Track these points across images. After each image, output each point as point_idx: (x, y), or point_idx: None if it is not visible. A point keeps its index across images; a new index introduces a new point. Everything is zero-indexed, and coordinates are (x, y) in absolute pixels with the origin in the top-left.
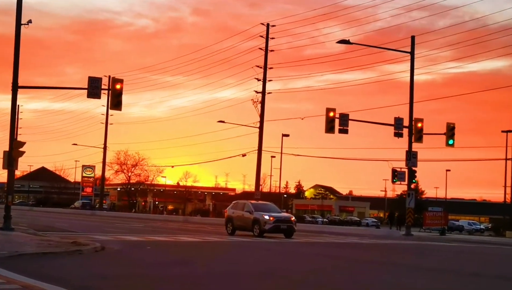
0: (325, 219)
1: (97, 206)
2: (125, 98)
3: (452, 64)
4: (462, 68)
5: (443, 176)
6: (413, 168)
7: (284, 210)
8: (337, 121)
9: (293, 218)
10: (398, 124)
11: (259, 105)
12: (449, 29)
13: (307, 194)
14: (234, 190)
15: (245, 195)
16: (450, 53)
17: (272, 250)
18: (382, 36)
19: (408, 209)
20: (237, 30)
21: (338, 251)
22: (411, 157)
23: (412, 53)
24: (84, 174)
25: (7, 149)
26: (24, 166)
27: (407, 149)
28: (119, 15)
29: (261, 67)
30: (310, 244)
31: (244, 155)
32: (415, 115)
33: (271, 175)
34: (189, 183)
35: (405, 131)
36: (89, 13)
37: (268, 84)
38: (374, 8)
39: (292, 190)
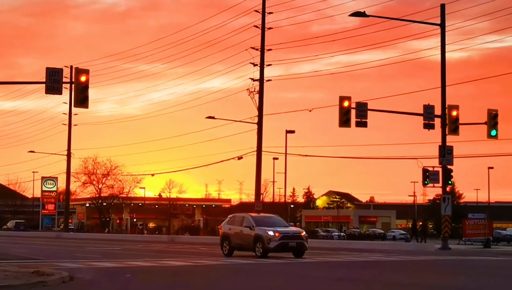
0: (342, 233)
1: (61, 226)
2: (92, 93)
3: (491, 38)
4: (504, 41)
5: (485, 175)
6: (448, 167)
7: (292, 223)
8: (353, 112)
9: (304, 233)
10: (428, 113)
11: (256, 96)
12: None
13: (319, 203)
14: (229, 201)
15: (243, 206)
16: (488, 24)
17: (279, 274)
18: (405, 6)
19: (444, 217)
20: (227, 4)
21: (362, 273)
22: (446, 153)
23: (442, 25)
24: (44, 188)
25: None
26: None
27: (440, 144)
28: None
29: (257, 49)
30: (327, 265)
31: (240, 158)
32: (448, 102)
33: (274, 181)
34: (174, 194)
35: (437, 122)
36: None
37: (267, 70)
38: None
39: (300, 199)
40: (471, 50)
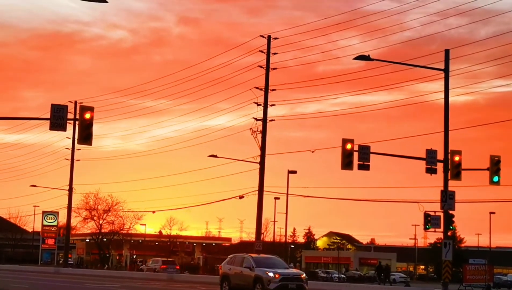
0: (342, 275)
1: (60, 261)
2: (96, 128)
3: (498, 82)
4: (510, 86)
5: (486, 220)
6: (450, 212)
7: (292, 264)
8: (356, 155)
9: (304, 275)
10: (430, 157)
11: (259, 135)
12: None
13: (319, 243)
14: (229, 239)
15: (243, 246)
16: (494, 69)
17: None
18: (411, 49)
19: (444, 262)
20: (233, 43)
21: None
22: (447, 198)
23: (446, 70)
24: (45, 222)
25: None
26: None
27: (442, 189)
28: (88, 26)
29: (261, 89)
30: None
31: (241, 197)
32: (452, 146)
33: (274, 221)
34: (174, 231)
35: (440, 166)
36: (52, 24)
37: (270, 109)
38: (401, 15)
39: (301, 239)
40: (477, 94)
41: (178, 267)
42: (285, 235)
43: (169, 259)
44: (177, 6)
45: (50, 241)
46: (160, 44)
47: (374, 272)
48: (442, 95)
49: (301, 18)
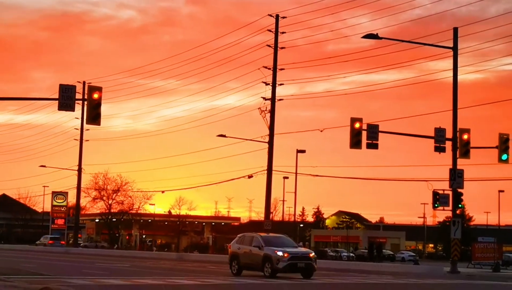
0: (351, 254)
1: (70, 241)
2: (105, 108)
3: (508, 60)
4: None
5: (495, 199)
6: (459, 190)
7: (301, 243)
8: (364, 134)
9: (312, 254)
10: (439, 136)
11: (268, 115)
12: (503, 17)
13: (328, 222)
14: (238, 219)
15: (252, 225)
16: (504, 47)
17: None
18: (421, 27)
19: (453, 240)
20: (242, 22)
21: None
22: (456, 177)
23: (455, 48)
24: (54, 203)
25: None
26: None
27: (451, 167)
28: (97, 6)
29: (269, 68)
30: (335, 287)
31: (250, 177)
32: (461, 124)
33: (283, 200)
34: (184, 211)
35: (448, 145)
36: (61, 5)
37: (279, 89)
38: None
39: (310, 218)
40: (487, 72)
41: (63, 242)
42: (294, 214)
43: (56, 236)
44: None
45: (60, 221)
46: (169, 23)
47: (366, 250)
48: (452, 74)
49: None
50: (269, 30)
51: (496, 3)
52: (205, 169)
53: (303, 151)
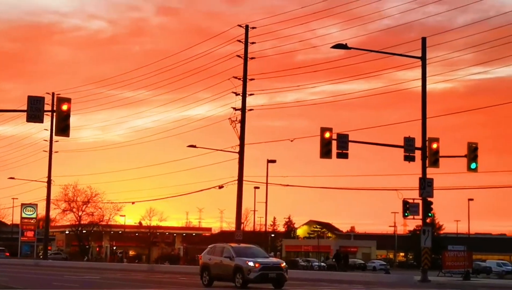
0: (322, 263)
1: (40, 254)
2: (74, 120)
3: (476, 69)
4: (488, 73)
5: (465, 207)
6: (429, 199)
7: (272, 253)
8: (334, 143)
9: (284, 264)
10: (408, 145)
11: (238, 125)
12: (471, 26)
13: (299, 232)
14: (209, 229)
15: (224, 235)
16: (472, 56)
17: None
18: (390, 37)
19: (423, 249)
20: (212, 32)
21: None
22: (426, 186)
23: (423, 58)
24: (24, 215)
25: None
26: None
27: (420, 176)
28: (67, 17)
29: (239, 79)
30: None
31: (221, 187)
32: (430, 134)
33: (254, 210)
34: (154, 222)
35: (418, 154)
36: (30, 16)
37: (249, 99)
38: (380, 3)
39: (281, 228)
40: (455, 81)
41: (7, 253)
42: (265, 224)
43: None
44: None
45: (30, 234)
46: (139, 34)
47: (333, 259)
48: (420, 83)
49: (280, 7)
50: (239, 41)
51: (464, 13)
52: (176, 180)
53: (273, 161)
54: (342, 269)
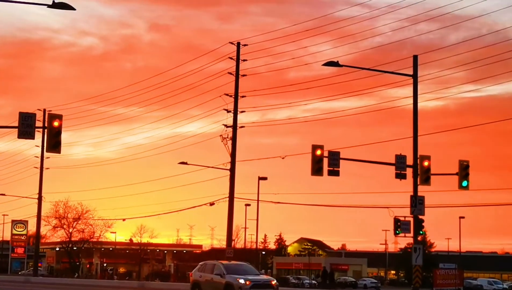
0: (313, 281)
1: (30, 269)
2: (65, 136)
3: (467, 87)
4: (480, 91)
5: (456, 225)
6: (420, 217)
7: (263, 271)
8: (326, 161)
9: (274, 281)
10: (400, 163)
11: (229, 142)
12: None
13: (290, 250)
14: (200, 247)
15: (214, 253)
16: (464, 74)
17: None
18: (382, 54)
19: (415, 267)
20: (204, 49)
21: None
22: (417, 203)
23: (415, 76)
24: (14, 231)
25: None
26: None
27: (412, 194)
28: (58, 33)
29: (231, 96)
30: None
31: (212, 204)
32: (422, 151)
33: (245, 228)
34: (145, 239)
35: (409, 171)
36: (21, 32)
37: (241, 116)
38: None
39: (272, 246)
40: (447, 99)
41: None
42: (256, 242)
43: None
44: (148, 13)
45: (20, 250)
46: (130, 51)
47: (319, 278)
48: (412, 101)
49: (272, 24)
50: (231, 58)
51: (455, 31)
52: (167, 197)
53: (264, 178)
54: (327, 287)
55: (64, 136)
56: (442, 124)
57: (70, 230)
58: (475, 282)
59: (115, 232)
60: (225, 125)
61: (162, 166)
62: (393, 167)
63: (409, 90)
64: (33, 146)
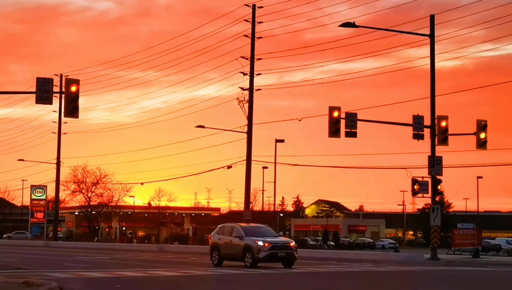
0: (331, 243)
1: (50, 235)
2: (83, 101)
3: (486, 46)
4: (498, 50)
5: (474, 185)
6: (438, 177)
7: (281, 233)
8: (343, 122)
9: (293, 243)
10: (417, 123)
11: (246, 105)
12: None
13: (308, 211)
14: (218, 209)
15: (232, 215)
16: (482, 33)
17: (269, 285)
18: (399, 14)
19: (433, 227)
20: (219, 12)
21: (353, 283)
22: (435, 164)
23: (432, 36)
24: (33, 196)
25: None
26: None
27: (429, 154)
28: None
29: (247, 58)
30: (316, 276)
31: (229, 167)
32: (440, 111)
33: (263, 190)
34: (163, 203)
35: (427, 132)
36: None
37: (257, 79)
38: None
39: (289, 208)
40: (465, 58)
41: None
42: (274, 204)
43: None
44: None
45: (39, 215)
46: (146, 15)
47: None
48: (429, 61)
49: None
50: (246, 20)
51: None
52: (184, 160)
53: (282, 141)
54: (330, 248)
55: (81, 101)
56: (460, 84)
57: (89, 195)
58: (494, 241)
59: (133, 196)
60: (242, 88)
61: (179, 130)
62: (410, 128)
63: (426, 50)
64: (51, 111)
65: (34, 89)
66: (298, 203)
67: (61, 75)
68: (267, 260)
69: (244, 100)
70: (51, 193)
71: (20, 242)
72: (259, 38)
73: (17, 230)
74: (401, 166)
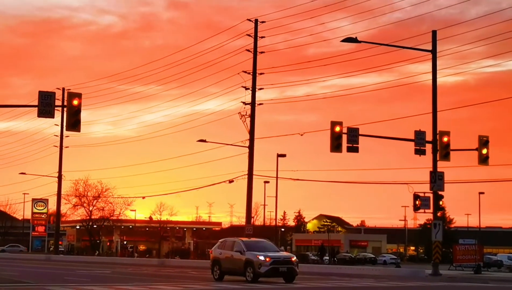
0: (326, 258)
1: (51, 248)
2: (85, 115)
3: (487, 62)
4: (500, 66)
5: (475, 201)
6: (439, 192)
7: (282, 247)
8: (344, 137)
9: (294, 258)
10: (419, 139)
11: (248, 119)
12: (483, 19)
13: (309, 226)
14: (219, 224)
15: (234, 230)
16: (484, 49)
17: None
18: (401, 30)
19: (434, 243)
20: (222, 27)
21: None
22: (437, 179)
23: (434, 51)
24: (35, 210)
25: None
26: None
27: (431, 170)
28: (77, 11)
29: (249, 73)
30: None
31: (231, 181)
32: (442, 127)
33: (264, 205)
34: (164, 217)
35: (429, 147)
36: (40, 11)
37: (259, 93)
38: None
39: (291, 222)
40: (467, 74)
41: None
42: (275, 219)
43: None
44: None
45: (41, 229)
46: (149, 29)
47: (317, 253)
48: (431, 76)
49: (290, 0)
50: (248, 35)
51: (476, 5)
52: (186, 175)
53: (283, 155)
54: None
55: (84, 115)
56: (462, 99)
57: (90, 208)
58: (495, 257)
59: (135, 210)
60: (244, 103)
61: (181, 144)
62: (412, 143)
63: (428, 66)
64: (53, 125)
65: (36, 103)
66: (299, 218)
67: (63, 89)
68: (268, 275)
69: (246, 115)
70: (52, 206)
71: (22, 256)
72: (261, 52)
73: (18, 243)
74: (403, 181)
